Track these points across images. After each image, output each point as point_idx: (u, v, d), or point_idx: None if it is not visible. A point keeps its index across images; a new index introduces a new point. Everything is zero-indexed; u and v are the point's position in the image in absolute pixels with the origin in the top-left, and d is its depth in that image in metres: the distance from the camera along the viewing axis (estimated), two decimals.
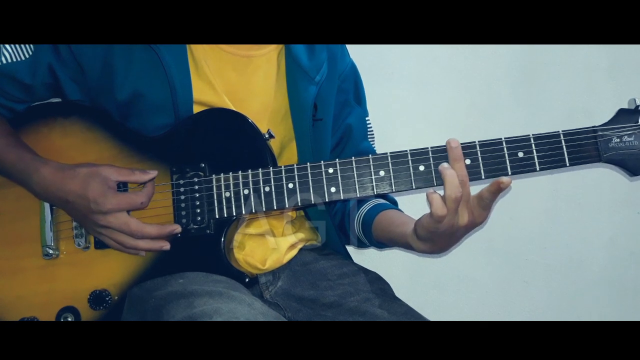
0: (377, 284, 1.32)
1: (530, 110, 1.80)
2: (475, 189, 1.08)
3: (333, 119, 1.37)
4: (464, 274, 1.83)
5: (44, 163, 1.21)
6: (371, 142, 1.45)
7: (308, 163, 1.18)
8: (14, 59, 1.25)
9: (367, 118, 1.46)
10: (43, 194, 1.22)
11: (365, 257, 1.68)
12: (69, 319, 1.22)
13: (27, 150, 1.24)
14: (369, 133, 1.45)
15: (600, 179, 1.81)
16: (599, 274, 1.84)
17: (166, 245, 1.20)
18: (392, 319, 1.22)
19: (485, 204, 1.07)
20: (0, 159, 1.24)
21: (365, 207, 1.35)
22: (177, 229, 1.20)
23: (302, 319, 1.28)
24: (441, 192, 1.07)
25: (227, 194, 1.20)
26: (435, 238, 1.11)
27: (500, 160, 1.11)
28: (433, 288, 1.83)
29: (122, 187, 1.23)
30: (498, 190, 1.05)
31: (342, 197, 1.17)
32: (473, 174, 1.11)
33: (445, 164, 1.08)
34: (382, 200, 1.37)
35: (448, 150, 1.09)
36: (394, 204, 1.40)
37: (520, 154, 1.11)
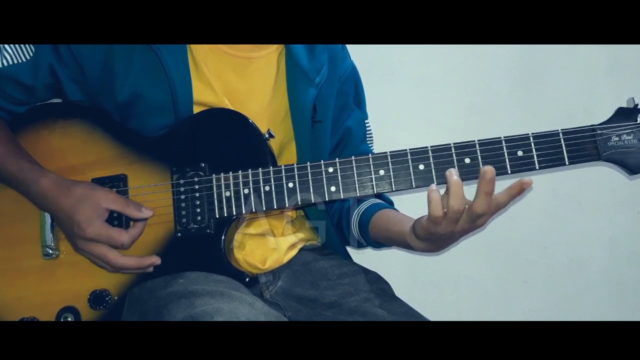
0: (377, 284, 1.32)
1: (530, 110, 1.81)
2: (473, 188, 1.08)
3: (332, 121, 1.37)
4: (464, 274, 1.83)
5: (43, 175, 1.21)
6: (370, 146, 1.45)
7: (308, 162, 1.18)
8: (15, 61, 1.25)
9: (366, 121, 1.46)
10: (40, 204, 1.23)
11: (365, 257, 1.67)
12: (69, 319, 1.22)
13: (27, 159, 1.24)
14: (367, 136, 1.45)
15: (600, 179, 1.81)
16: (598, 274, 1.84)
17: (149, 269, 1.19)
18: (392, 319, 1.22)
19: (498, 209, 1.04)
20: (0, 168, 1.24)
21: (362, 207, 1.35)
22: (157, 261, 1.20)
23: (302, 319, 1.28)
24: (442, 191, 1.07)
25: (227, 194, 1.20)
26: (434, 239, 1.11)
27: (500, 159, 1.11)
28: (433, 288, 1.83)
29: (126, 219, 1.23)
30: (519, 193, 1.00)
31: (342, 197, 1.17)
32: (472, 173, 1.11)
33: (454, 173, 1.03)
34: (379, 200, 1.37)
35: (480, 179, 1.01)
36: (390, 204, 1.40)
37: (520, 153, 1.11)
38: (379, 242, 1.32)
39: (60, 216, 1.19)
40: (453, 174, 1.03)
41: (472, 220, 1.05)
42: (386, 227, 1.27)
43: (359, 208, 1.35)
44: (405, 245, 1.19)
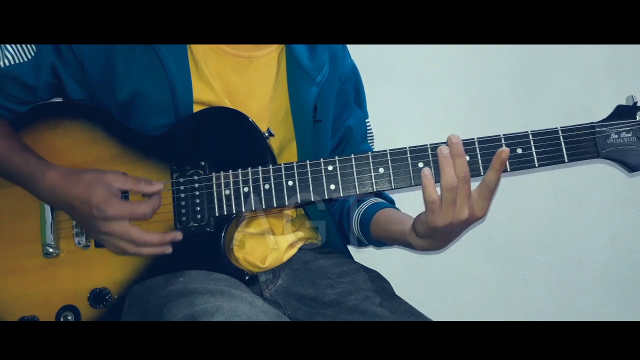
0: (377, 282, 1.32)
1: (531, 108, 1.81)
2: (473, 185, 1.08)
3: (333, 121, 1.37)
4: (464, 272, 1.83)
5: (50, 168, 1.21)
6: (371, 145, 1.46)
7: (307, 161, 1.18)
8: (17, 61, 1.25)
9: (367, 120, 1.46)
10: (49, 198, 1.23)
11: (365, 256, 1.68)
12: (69, 318, 1.22)
13: (32, 153, 1.24)
14: (368, 135, 1.46)
15: (600, 177, 1.81)
16: (598, 272, 1.84)
17: (168, 249, 1.20)
18: (392, 318, 1.22)
19: (490, 189, 1.07)
20: (5, 163, 1.23)
21: (363, 206, 1.35)
22: (178, 236, 1.20)
23: (302, 318, 1.28)
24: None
25: (227, 192, 1.20)
26: (434, 234, 1.11)
27: None
28: (433, 286, 1.83)
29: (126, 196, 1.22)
30: (501, 164, 1.05)
31: (341, 195, 1.17)
32: (472, 171, 1.11)
33: (445, 149, 1.07)
34: (379, 199, 1.37)
35: (449, 146, 1.08)
36: (392, 203, 1.40)
37: (519, 150, 1.11)
38: (380, 241, 1.32)
39: (73, 204, 1.19)
40: (443, 150, 1.07)
41: (470, 203, 1.06)
42: (387, 227, 1.27)
43: (359, 207, 1.35)
44: (406, 244, 1.20)
